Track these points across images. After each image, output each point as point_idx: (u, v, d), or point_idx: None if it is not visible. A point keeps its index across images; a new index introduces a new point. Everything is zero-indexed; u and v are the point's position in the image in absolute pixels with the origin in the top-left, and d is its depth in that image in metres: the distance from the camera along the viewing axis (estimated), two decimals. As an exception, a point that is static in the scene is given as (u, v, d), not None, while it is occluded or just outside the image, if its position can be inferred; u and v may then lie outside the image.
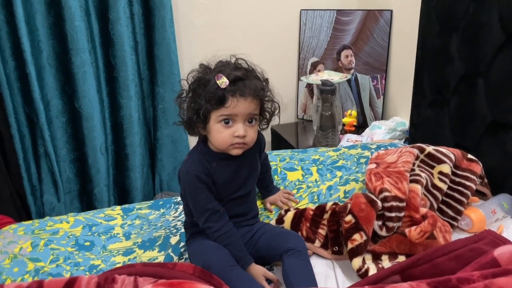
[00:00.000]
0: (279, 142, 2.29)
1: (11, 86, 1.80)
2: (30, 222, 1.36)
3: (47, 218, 1.39)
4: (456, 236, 1.18)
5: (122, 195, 2.14)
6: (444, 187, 1.24)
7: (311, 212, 1.23)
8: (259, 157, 1.21)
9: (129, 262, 1.19)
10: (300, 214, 1.24)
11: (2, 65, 1.75)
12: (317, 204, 1.29)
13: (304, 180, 1.44)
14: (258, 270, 1.06)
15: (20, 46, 1.75)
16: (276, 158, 1.54)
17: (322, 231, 1.20)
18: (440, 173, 1.26)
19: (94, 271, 1.16)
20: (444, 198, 1.26)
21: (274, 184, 1.39)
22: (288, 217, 1.24)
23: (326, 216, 1.20)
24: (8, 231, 1.31)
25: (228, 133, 1.04)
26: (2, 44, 1.75)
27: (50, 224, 1.34)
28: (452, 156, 1.28)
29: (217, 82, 1.00)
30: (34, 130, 1.91)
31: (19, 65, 1.80)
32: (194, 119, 1.06)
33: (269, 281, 1.07)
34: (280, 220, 1.25)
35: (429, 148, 1.31)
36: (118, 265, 1.16)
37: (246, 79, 1.03)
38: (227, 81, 1.00)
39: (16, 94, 1.83)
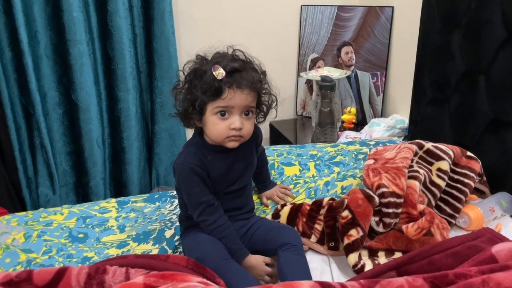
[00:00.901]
0: (278, 138, 2.27)
1: (8, 77, 1.79)
2: (23, 213, 1.35)
3: (41, 210, 1.37)
4: (453, 233, 1.17)
5: (119, 189, 2.13)
6: (442, 184, 1.23)
7: (308, 207, 1.22)
8: (256, 151, 1.19)
9: (122, 255, 1.18)
10: (296, 209, 1.22)
11: (-1, 56, 1.73)
12: (314, 200, 1.28)
13: (301, 175, 1.43)
14: (257, 259, 1.06)
15: (17, 36, 1.73)
16: (274, 153, 1.53)
17: (319, 227, 1.18)
18: (439, 170, 1.24)
19: (87, 263, 1.15)
20: (442, 195, 1.24)
21: (271, 179, 1.37)
22: (284, 212, 1.23)
23: (323, 211, 1.19)
24: (1, 222, 1.30)
25: (224, 125, 1.02)
26: (-1, 34, 1.74)
27: (44, 216, 1.33)
28: (451, 153, 1.27)
29: (214, 73, 0.99)
30: (30, 121, 1.89)
31: (16, 55, 1.78)
32: (189, 110, 1.04)
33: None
34: (276, 215, 1.23)
35: (428, 145, 1.29)
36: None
37: (243, 71, 1.01)
38: (224, 72, 0.99)
39: (13, 85, 1.81)
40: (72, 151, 2.01)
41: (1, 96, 1.77)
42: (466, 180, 1.24)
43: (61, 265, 1.13)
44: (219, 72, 0.98)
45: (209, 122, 1.04)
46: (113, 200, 1.43)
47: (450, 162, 1.25)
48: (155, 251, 1.19)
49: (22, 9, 1.71)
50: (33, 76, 1.79)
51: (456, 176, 1.26)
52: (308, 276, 1.00)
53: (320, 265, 1.11)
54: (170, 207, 1.39)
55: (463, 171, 1.26)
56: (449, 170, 1.24)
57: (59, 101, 1.92)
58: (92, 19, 1.86)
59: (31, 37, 1.79)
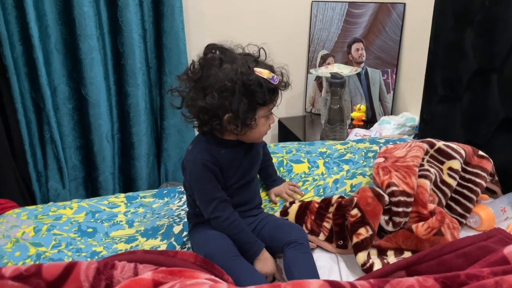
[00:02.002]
0: (286, 135, 2.26)
1: (19, 71, 1.79)
2: (33, 207, 1.36)
3: (50, 204, 1.38)
4: (464, 233, 1.16)
5: (127, 184, 2.14)
6: (453, 183, 1.21)
7: (316, 205, 1.21)
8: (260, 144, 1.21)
9: (131, 250, 1.18)
10: (305, 207, 1.22)
11: (10, 50, 1.73)
12: (322, 197, 1.27)
13: (310, 173, 1.42)
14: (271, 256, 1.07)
15: (28, 31, 1.73)
16: (283, 150, 1.52)
17: (327, 225, 1.18)
18: (450, 169, 1.23)
19: (96, 257, 1.15)
20: (453, 195, 1.23)
21: (280, 176, 1.37)
22: (293, 209, 1.22)
23: (332, 209, 1.19)
24: (11, 215, 1.31)
25: (267, 124, 1.09)
26: (10, 29, 1.74)
27: (53, 210, 1.34)
28: (462, 152, 1.25)
29: (267, 78, 1.01)
30: (40, 116, 1.90)
31: (26, 50, 1.78)
32: (247, 117, 1.02)
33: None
34: (284, 212, 1.23)
35: (439, 143, 1.28)
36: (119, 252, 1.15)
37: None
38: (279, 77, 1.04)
39: (23, 79, 1.82)
40: (82, 146, 2.02)
41: (12, 90, 1.77)
42: (478, 180, 1.23)
43: (70, 259, 1.14)
44: (275, 77, 1.02)
45: (259, 125, 1.06)
46: (122, 195, 1.43)
47: (462, 161, 1.24)
48: (163, 247, 1.19)
49: (33, 4, 1.72)
50: (43, 71, 1.80)
51: (467, 176, 1.24)
52: (315, 275, 1.00)
53: (328, 263, 1.10)
54: (178, 202, 1.40)
55: (475, 170, 1.25)
56: (460, 170, 1.23)
57: (69, 95, 1.93)
58: (103, 14, 1.86)
59: (42, 31, 1.80)
